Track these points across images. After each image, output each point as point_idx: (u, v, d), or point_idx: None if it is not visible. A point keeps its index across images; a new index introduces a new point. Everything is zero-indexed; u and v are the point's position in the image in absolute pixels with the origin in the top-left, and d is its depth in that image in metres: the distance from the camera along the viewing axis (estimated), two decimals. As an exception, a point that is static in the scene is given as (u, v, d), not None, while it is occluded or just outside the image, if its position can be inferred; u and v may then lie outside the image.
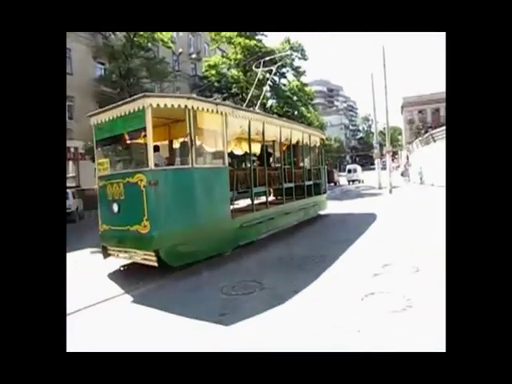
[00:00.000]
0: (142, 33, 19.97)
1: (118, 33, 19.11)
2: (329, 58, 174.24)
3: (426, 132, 46.89)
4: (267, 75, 33.28)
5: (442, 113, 57.71)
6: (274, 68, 17.54)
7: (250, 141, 8.15)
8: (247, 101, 12.46)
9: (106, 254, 6.69)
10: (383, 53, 22.03)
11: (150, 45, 21.24)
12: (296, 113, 34.55)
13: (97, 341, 3.62)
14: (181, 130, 6.89)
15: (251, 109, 9.72)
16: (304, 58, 33.49)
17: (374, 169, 29.00)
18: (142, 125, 5.73)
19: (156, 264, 5.70)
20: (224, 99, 31.40)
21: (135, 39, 20.14)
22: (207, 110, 6.58)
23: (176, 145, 8.13)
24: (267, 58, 16.78)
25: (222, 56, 31.05)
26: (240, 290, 4.72)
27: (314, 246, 7.58)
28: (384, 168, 24.96)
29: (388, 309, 3.74)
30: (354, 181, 35.77)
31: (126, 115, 5.92)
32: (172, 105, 5.94)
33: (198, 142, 6.49)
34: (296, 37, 54.10)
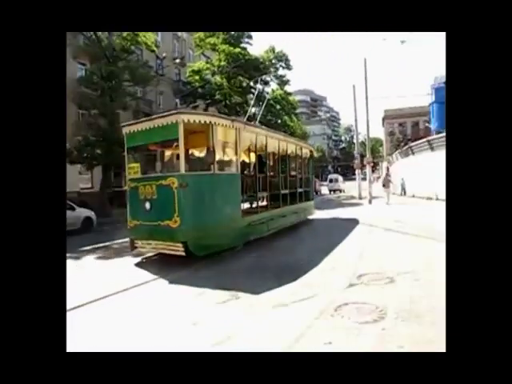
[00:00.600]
0: (125, 35, 19.76)
1: (100, 34, 18.86)
2: (313, 68, 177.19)
3: (406, 144, 47.59)
4: (251, 83, 33.52)
5: (421, 126, 59.38)
6: (271, 84, 18.26)
7: (256, 151, 9.48)
8: (247, 115, 13.03)
9: (132, 247, 7.65)
10: (365, 66, 22.50)
11: (133, 48, 21.03)
12: (279, 121, 34.85)
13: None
14: (197, 140, 8.13)
15: (251, 123, 10.73)
16: (288, 67, 33.88)
17: (355, 179, 29.42)
18: (175, 136, 6.78)
19: (184, 254, 6.67)
20: (207, 105, 31.37)
21: (118, 41, 19.92)
22: (225, 126, 7.74)
23: (194, 153, 9.41)
24: (265, 77, 17.63)
25: (207, 62, 31.10)
26: (214, 299, 4.66)
27: (294, 252, 7.67)
28: (364, 178, 25.33)
29: (360, 320, 3.73)
30: (335, 190, 36.01)
31: (159, 127, 6.95)
32: (199, 120, 7.08)
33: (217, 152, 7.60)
34: (281, 46, 54.70)
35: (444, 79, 45.04)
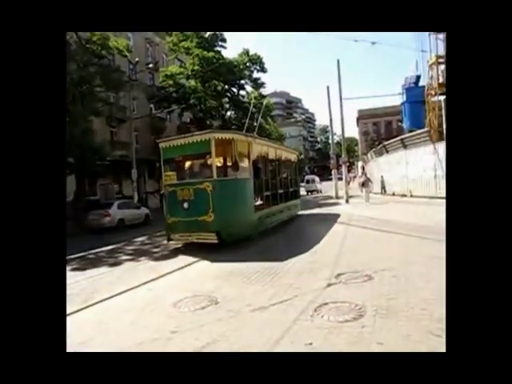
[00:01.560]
0: (95, 39, 19.36)
1: (68, 38, 18.37)
2: (288, 70, 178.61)
3: (380, 143, 48.16)
4: (226, 87, 33.41)
5: (395, 125, 60.30)
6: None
7: (262, 158, 11.28)
8: (247, 126, 14.38)
9: (169, 239, 9.57)
10: (338, 67, 22.83)
11: (104, 52, 20.59)
12: (255, 124, 34.85)
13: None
14: (218, 151, 9.61)
15: (254, 134, 12.68)
16: (263, 70, 34.02)
17: (332, 179, 29.72)
18: (207, 150, 8.82)
19: (216, 241, 8.57)
20: (182, 110, 31.07)
21: (88, 46, 19.49)
22: (242, 140, 9.92)
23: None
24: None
25: (180, 66, 30.81)
26: (193, 306, 4.62)
27: (276, 250, 7.79)
28: (341, 178, 25.66)
29: (340, 319, 3.76)
30: (312, 191, 35.95)
31: (193, 143, 8.96)
32: (225, 137, 9.21)
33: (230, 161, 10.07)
34: (256, 48, 55.13)
35: (414, 79, 46.13)
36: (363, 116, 58.10)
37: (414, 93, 42.52)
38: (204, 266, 7.11)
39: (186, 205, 8.67)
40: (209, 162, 9.12)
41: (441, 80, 32.72)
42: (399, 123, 51.24)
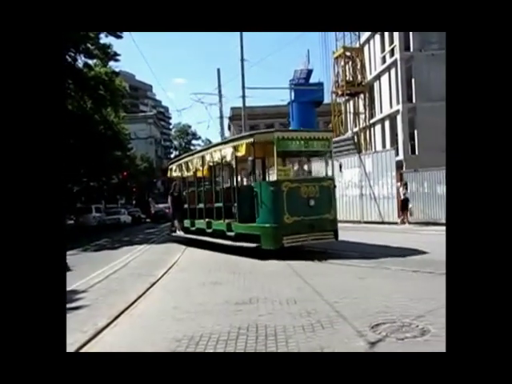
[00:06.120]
0: None
1: None
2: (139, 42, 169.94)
3: (260, 153, 50.38)
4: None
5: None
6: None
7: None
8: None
9: (281, 244, 9.30)
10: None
11: None
12: (97, 116, 30.23)
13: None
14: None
15: None
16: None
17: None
18: (326, 149, 10.52)
19: (334, 239, 9.75)
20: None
21: None
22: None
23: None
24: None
25: None
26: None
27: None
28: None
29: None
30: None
31: (313, 139, 10.26)
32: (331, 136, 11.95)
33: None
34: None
35: (304, 74, 48.99)
36: (238, 116, 56.08)
37: (305, 91, 44.92)
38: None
39: (312, 202, 9.36)
40: (328, 160, 10.43)
41: (349, 77, 35.07)
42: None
